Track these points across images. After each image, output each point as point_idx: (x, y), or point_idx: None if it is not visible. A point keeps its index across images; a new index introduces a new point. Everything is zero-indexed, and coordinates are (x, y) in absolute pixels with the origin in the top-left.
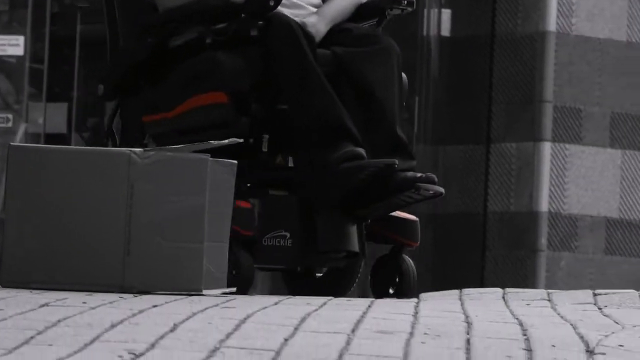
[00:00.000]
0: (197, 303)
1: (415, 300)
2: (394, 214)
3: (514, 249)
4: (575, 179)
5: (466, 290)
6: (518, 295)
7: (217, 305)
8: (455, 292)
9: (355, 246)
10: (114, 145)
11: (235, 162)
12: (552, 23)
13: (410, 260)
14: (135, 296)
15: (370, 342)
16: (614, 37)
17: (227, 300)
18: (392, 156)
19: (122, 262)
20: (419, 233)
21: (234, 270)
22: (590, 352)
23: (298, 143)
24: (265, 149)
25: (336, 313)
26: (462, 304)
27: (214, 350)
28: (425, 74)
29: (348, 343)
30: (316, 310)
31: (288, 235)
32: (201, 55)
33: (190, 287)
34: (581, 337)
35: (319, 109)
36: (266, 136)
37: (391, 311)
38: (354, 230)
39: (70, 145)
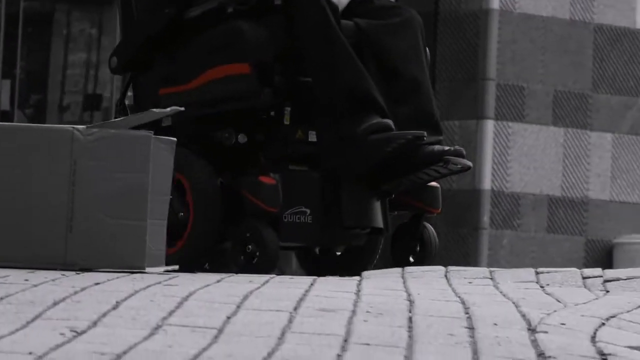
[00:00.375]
0: (139, 281)
1: (357, 278)
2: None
3: (456, 227)
4: (518, 157)
5: (408, 269)
6: (460, 274)
7: (159, 282)
8: (398, 270)
9: (379, 222)
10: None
11: (175, 139)
12: (495, 1)
13: (432, 228)
14: (78, 273)
15: (312, 320)
16: (557, 15)
17: (170, 278)
18: (419, 129)
19: (65, 239)
20: (440, 200)
21: (257, 250)
22: (532, 330)
23: (323, 115)
24: (287, 122)
25: (279, 291)
26: (404, 282)
27: (156, 327)
28: None
29: (290, 321)
30: (259, 288)
31: (308, 211)
32: (222, 25)
33: (132, 264)
34: (523, 316)
35: (345, 79)
36: (288, 109)
37: (334, 289)
38: (378, 205)
39: (13, 122)
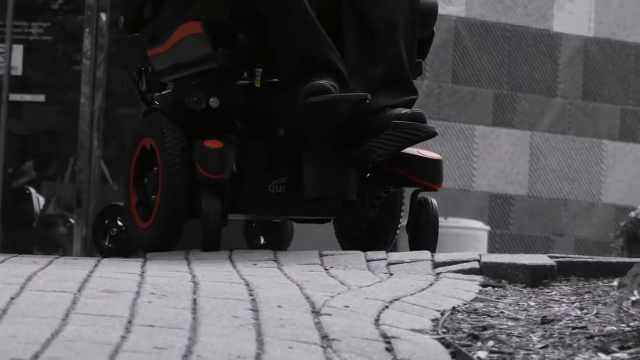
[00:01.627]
0: None
1: (142, 259)
2: (413, 152)
3: None
4: None
5: (193, 251)
6: (245, 256)
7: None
8: (182, 252)
9: (348, 193)
10: (140, 87)
11: None
12: None
13: (434, 202)
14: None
15: (96, 301)
16: None
17: None
18: (386, 91)
19: None
20: (442, 173)
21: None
22: (316, 312)
23: (282, 77)
24: (258, 85)
25: (63, 272)
26: (188, 264)
27: None
28: None
29: (74, 302)
30: (42, 268)
31: (285, 180)
32: None
33: None
34: (307, 298)
35: (300, 42)
36: (259, 70)
37: (118, 270)
38: (348, 175)
39: None
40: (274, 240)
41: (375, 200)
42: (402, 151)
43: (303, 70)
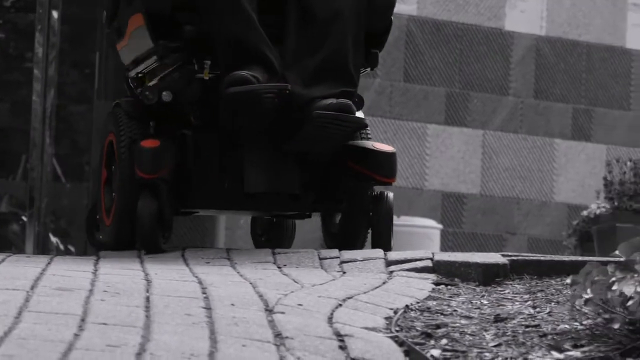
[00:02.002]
0: None
1: (94, 257)
2: (367, 146)
3: None
4: None
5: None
6: (198, 254)
7: None
8: (134, 251)
9: (291, 187)
10: (130, 83)
11: None
12: None
13: (390, 196)
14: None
15: (49, 299)
16: None
17: None
18: (324, 82)
19: None
20: (394, 167)
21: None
22: (269, 310)
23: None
24: (206, 77)
25: (15, 269)
26: (141, 263)
27: None
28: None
29: (27, 300)
30: None
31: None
32: None
33: None
34: (260, 296)
35: (227, 30)
36: (208, 62)
37: (71, 268)
38: (291, 169)
39: None
40: (275, 239)
41: (342, 195)
42: (356, 145)
43: (231, 60)
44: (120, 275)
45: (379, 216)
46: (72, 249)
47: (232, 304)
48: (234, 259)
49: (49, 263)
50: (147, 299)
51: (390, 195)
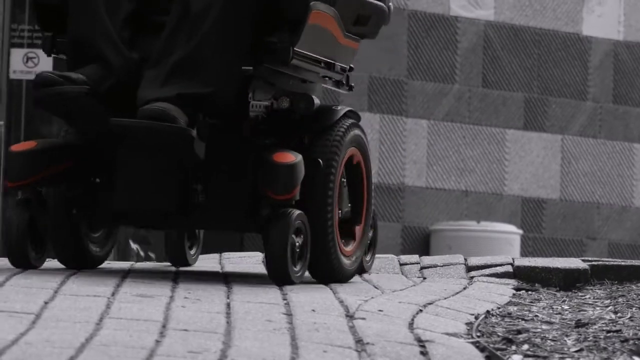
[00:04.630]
0: None
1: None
2: (267, 157)
3: None
4: None
5: (226, 254)
6: None
7: None
8: (215, 256)
9: (165, 203)
10: None
11: None
12: None
13: (291, 214)
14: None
15: (130, 306)
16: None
17: None
18: (170, 82)
19: None
20: (291, 181)
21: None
22: (350, 316)
23: None
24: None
25: (96, 276)
26: (222, 268)
27: None
28: None
29: (108, 306)
30: (75, 273)
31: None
32: None
33: None
34: (341, 302)
35: (75, 27)
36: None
37: (151, 275)
38: (165, 182)
39: None
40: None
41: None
42: (260, 156)
43: (72, 59)
44: (201, 281)
45: (268, 243)
46: (152, 255)
47: (313, 310)
48: None
49: (129, 270)
50: (228, 305)
51: (294, 214)
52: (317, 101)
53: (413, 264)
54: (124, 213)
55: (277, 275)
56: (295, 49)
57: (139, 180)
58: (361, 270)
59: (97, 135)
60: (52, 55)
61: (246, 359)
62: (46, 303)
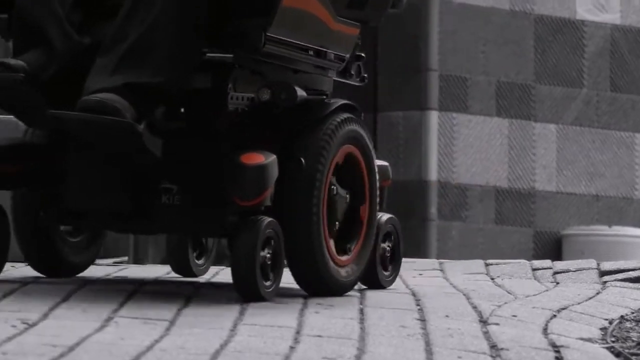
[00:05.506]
0: (88, 273)
1: None
2: (234, 158)
3: (404, 219)
4: (464, 148)
5: None
6: (410, 265)
7: (109, 275)
8: None
9: (117, 203)
10: None
11: None
12: None
13: (261, 222)
14: (27, 265)
15: (264, 312)
16: (497, 5)
17: (120, 270)
18: (120, 70)
19: None
20: (258, 185)
21: None
22: (483, 322)
23: None
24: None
25: (230, 284)
26: None
27: (108, 320)
28: None
29: (242, 313)
30: (210, 279)
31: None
32: None
33: None
34: (474, 307)
35: (19, 9)
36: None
37: (284, 281)
38: (117, 181)
39: None
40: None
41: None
42: (229, 156)
43: (15, 42)
44: None
45: (234, 256)
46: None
47: (446, 316)
48: (446, 270)
49: None
50: (361, 310)
51: (264, 223)
52: (300, 92)
53: (545, 269)
54: (81, 213)
55: (245, 292)
56: (268, 34)
57: (90, 178)
58: (379, 285)
59: (38, 127)
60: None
61: None
62: (179, 310)
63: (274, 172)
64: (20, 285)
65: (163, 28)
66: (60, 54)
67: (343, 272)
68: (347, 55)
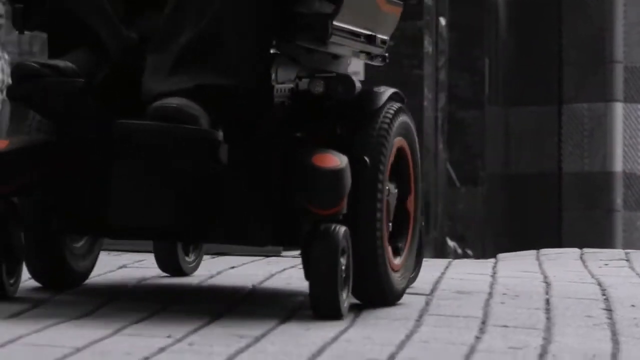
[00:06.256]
0: (274, 264)
1: (492, 260)
2: (307, 160)
3: (589, 209)
4: None
5: (543, 251)
6: (596, 256)
7: (294, 266)
8: (533, 252)
9: (163, 219)
10: None
11: None
12: None
13: (337, 231)
14: (213, 257)
15: (449, 303)
16: None
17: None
18: (179, 71)
19: None
20: (335, 192)
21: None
22: None
23: None
24: None
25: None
26: (539, 265)
27: (294, 310)
28: (494, 35)
29: (427, 304)
30: None
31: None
32: None
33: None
34: None
35: (57, 4)
36: None
37: (469, 271)
38: (161, 196)
39: None
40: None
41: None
42: (292, 156)
43: (55, 43)
44: (519, 277)
45: (311, 269)
46: (469, 252)
47: (633, 305)
48: (632, 260)
49: (447, 267)
50: (547, 301)
51: (341, 232)
52: (358, 84)
53: None
54: (120, 228)
55: (326, 308)
56: (334, 22)
57: (137, 192)
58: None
59: (91, 136)
60: (25, 32)
61: (567, 354)
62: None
63: (350, 176)
64: (207, 277)
65: (228, 20)
66: (112, 52)
67: (397, 277)
68: (388, 38)
